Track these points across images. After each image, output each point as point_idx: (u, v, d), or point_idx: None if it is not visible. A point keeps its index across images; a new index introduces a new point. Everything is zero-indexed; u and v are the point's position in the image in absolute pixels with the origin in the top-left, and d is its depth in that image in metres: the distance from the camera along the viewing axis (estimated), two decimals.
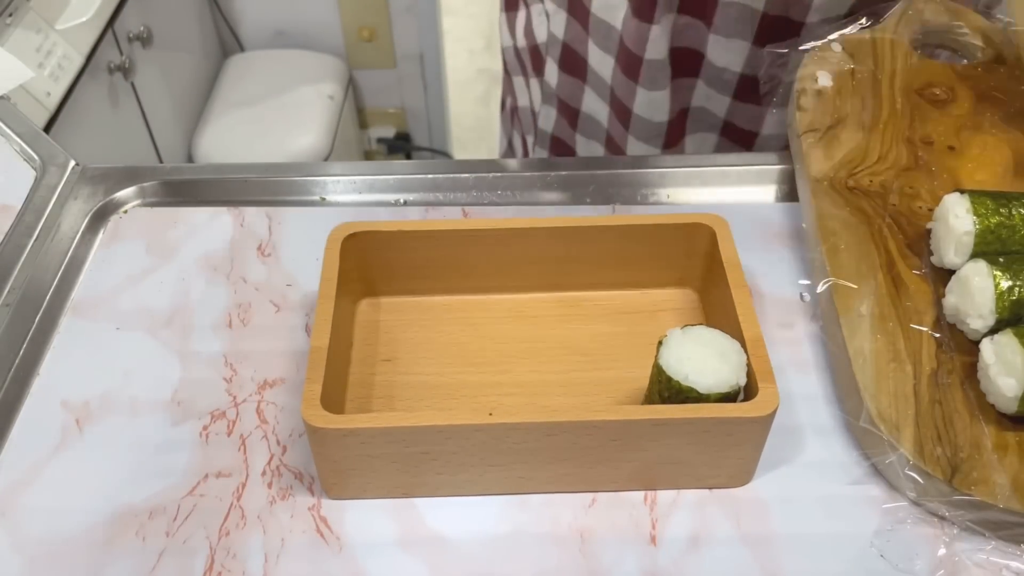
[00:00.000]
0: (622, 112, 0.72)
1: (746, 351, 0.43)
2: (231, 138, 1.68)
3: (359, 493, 0.44)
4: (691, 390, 0.42)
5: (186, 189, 0.62)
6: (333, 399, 0.44)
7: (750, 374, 0.43)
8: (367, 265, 0.51)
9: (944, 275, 0.51)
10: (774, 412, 0.42)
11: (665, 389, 0.43)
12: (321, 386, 0.42)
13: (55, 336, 0.52)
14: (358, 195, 0.62)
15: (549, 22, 0.72)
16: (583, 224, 0.50)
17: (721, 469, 0.44)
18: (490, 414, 0.41)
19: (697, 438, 0.42)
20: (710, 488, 0.45)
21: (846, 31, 0.64)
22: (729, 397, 0.42)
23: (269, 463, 0.47)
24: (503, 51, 0.83)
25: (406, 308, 0.52)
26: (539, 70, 0.77)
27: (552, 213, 0.60)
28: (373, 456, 0.42)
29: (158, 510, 0.45)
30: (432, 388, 0.49)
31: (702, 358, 0.43)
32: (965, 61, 0.65)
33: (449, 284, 0.52)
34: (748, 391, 0.43)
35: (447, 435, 0.41)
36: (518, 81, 0.82)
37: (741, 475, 0.45)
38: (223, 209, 0.60)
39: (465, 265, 0.51)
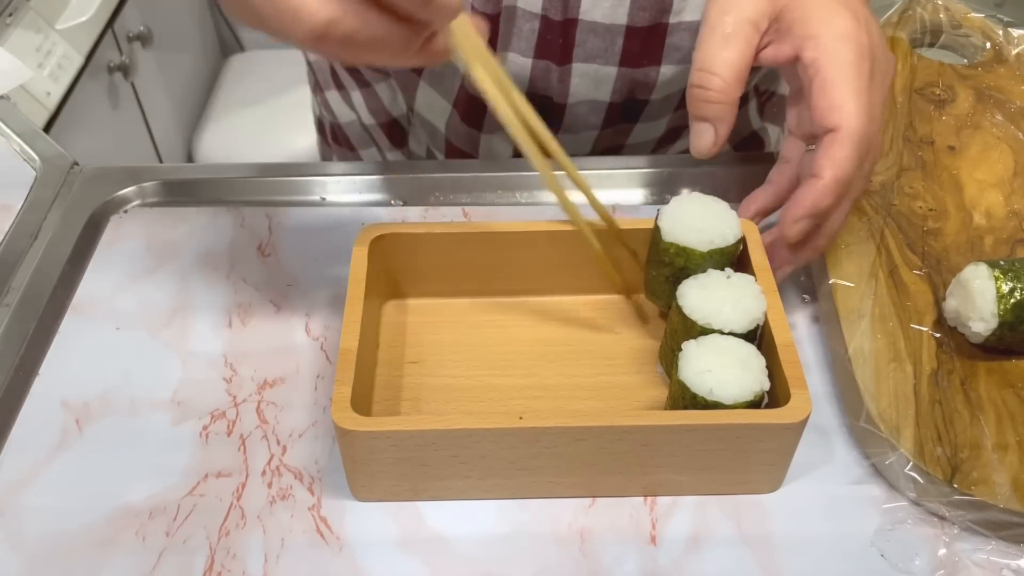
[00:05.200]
0: None
1: (778, 356, 0.43)
2: (231, 138, 1.68)
3: (387, 496, 0.44)
4: (717, 404, 0.41)
5: (186, 189, 0.62)
6: (361, 402, 0.44)
7: (781, 379, 0.43)
8: (394, 267, 0.51)
9: (946, 277, 0.51)
10: (807, 418, 0.41)
11: (690, 406, 0.42)
12: (351, 389, 0.41)
13: (55, 336, 0.52)
14: (358, 195, 0.62)
15: (398, 96, 0.71)
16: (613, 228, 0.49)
17: (751, 475, 0.44)
18: (520, 418, 0.41)
19: (729, 444, 0.42)
20: (739, 494, 0.45)
21: None
22: (754, 404, 0.42)
23: (269, 463, 0.46)
24: (337, 127, 0.80)
25: (432, 310, 0.52)
26: (401, 142, 0.76)
27: (553, 214, 0.60)
28: (402, 459, 0.42)
29: (158, 510, 0.45)
30: (459, 391, 0.48)
31: (722, 367, 0.42)
32: (965, 61, 0.65)
33: (475, 286, 0.52)
34: (777, 396, 0.43)
35: (477, 438, 0.41)
36: (369, 153, 0.80)
37: (771, 481, 0.45)
38: (223, 209, 0.60)
39: (492, 267, 0.51)
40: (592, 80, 0.63)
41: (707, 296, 0.45)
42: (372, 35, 0.33)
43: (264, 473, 0.46)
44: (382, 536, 0.44)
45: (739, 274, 0.46)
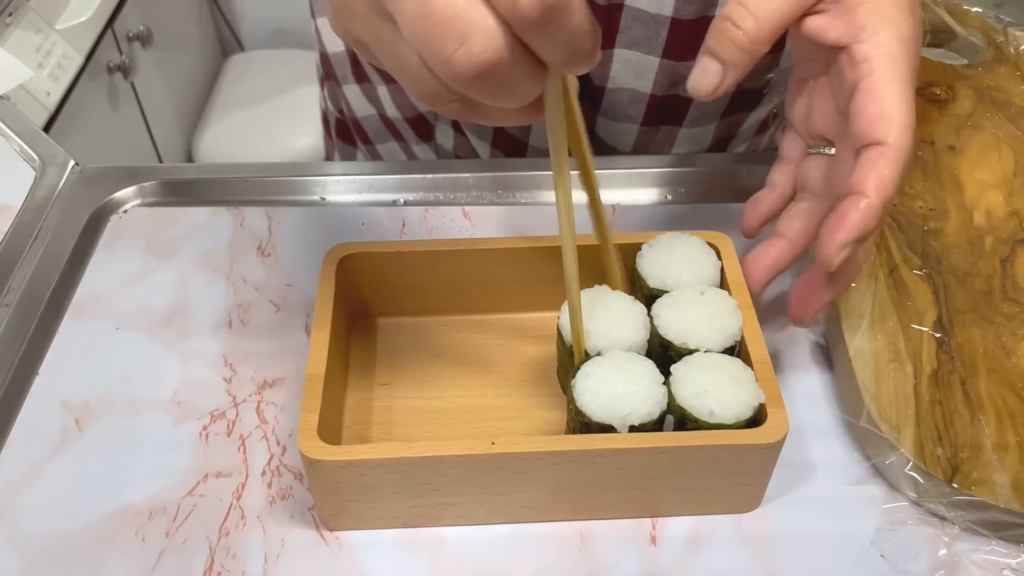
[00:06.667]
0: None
1: (755, 374, 0.42)
2: (231, 138, 1.68)
3: (357, 524, 0.44)
4: (720, 426, 0.41)
5: (186, 189, 0.62)
6: (330, 427, 0.43)
7: None
8: (363, 286, 0.50)
9: (946, 277, 0.51)
10: (783, 439, 0.41)
11: (693, 429, 0.41)
12: (318, 416, 0.41)
13: (55, 336, 0.52)
14: (358, 195, 0.62)
15: None
16: (584, 243, 0.48)
17: (728, 495, 0.43)
18: (492, 443, 0.40)
19: (706, 465, 0.41)
20: (717, 515, 0.44)
21: None
22: (754, 420, 0.41)
23: (269, 463, 0.46)
24: (352, 121, 0.79)
25: (403, 329, 0.51)
26: (427, 136, 0.75)
27: (553, 215, 0.60)
28: (371, 487, 0.41)
29: (158, 510, 0.45)
30: (431, 413, 0.48)
31: (717, 386, 0.41)
32: (965, 61, 0.65)
33: (447, 304, 0.51)
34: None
35: (448, 465, 0.40)
36: (389, 147, 0.79)
37: (749, 501, 0.44)
38: (223, 209, 0.60)
39: (463, 285, 0.50)
40: (634, 68, 0.62)
41: (681, 314, 0.44)
42: (520, 84, 0.30)
43: (264, 473, 0.46)
44: (382, 536, 0.44)
45: (713, 289, 0.45)
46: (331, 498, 0.42)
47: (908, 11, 0.42)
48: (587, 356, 0.44)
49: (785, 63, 0.65)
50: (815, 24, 0.43)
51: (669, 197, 0.61)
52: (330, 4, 0.34)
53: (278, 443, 0.47)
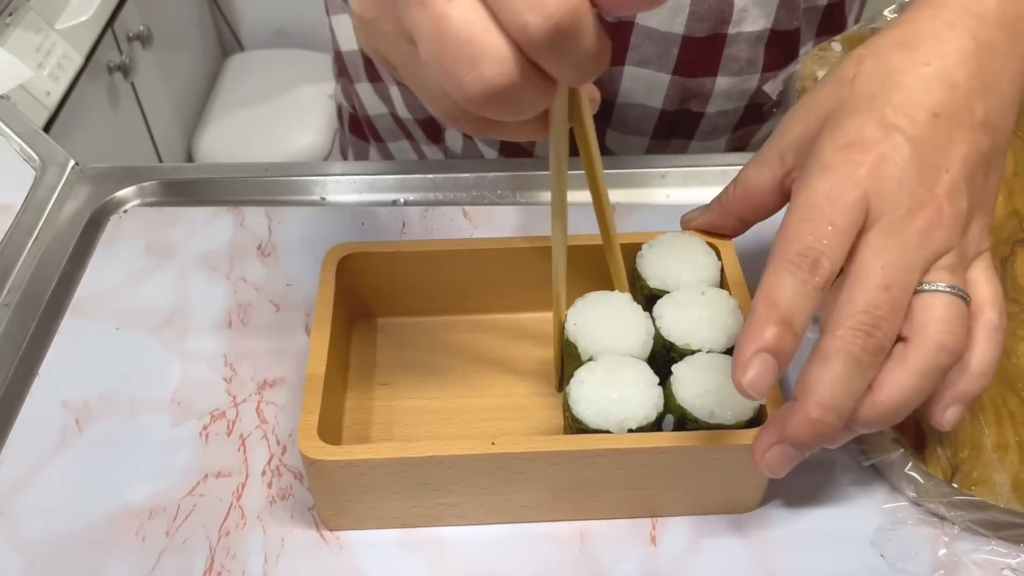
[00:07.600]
0: None
1: None
2: (231, 138, 1.68)
3: (357, 524, 0.44)
4: (720, 426, 0.41)
5: (186, 189, 0.62)
6: (330, 428, 0.43)
7: None
8: (363, 286, 0.50)
9: None
10: None
11: (693, 429, 0.41)
12: (318, 416, 0.41)
13: (55, 336, 0.52)
14: (358, 195, 0.62)
15: None
16: (584, 243, 0.48)
17: (728, 495, 0.43)
18: (492, 443, 0.40)
19: (706, 465, 0.41)
20: (716, 515, 0.44)
21: (847, 31, 0.64)
22: (755, 420, 0.41)
23: (269, 463, 0.47)
24: (364, 119, 0.80)
25: (403, 329, 0.51)
26: (437, 137, 0.75)
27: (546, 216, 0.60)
28: (372, 487, 0.41)
29: (158, 510, 0.45)
30: (431, 413, 0.48)
31: (717, 386, 0.41)
32: None
33: (447, 304, 0.51)
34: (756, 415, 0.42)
35: (448, 465, 0.40)
36: (400, 145, 0.80)
37: (749, 501, 0.44)
38: (223, 209, 0.60)
39: (463, 285, 0.50)
40: (644, 85, 0.63)
41: (683, 315, 0.44)
42: (532, 101, 0.30)
43: (264, 473, 0.46)
44: (382, 536, 0.44)
45: (714, 289, 0.45)
46: (331, 498, 0.42)
47: (861, 120, 0.38)
48: (580, 353, 0.44)
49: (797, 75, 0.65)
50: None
51: (670, 197, 0.61)
52: (359, 21, 0.34)
53: (278, 443, 0.47)
